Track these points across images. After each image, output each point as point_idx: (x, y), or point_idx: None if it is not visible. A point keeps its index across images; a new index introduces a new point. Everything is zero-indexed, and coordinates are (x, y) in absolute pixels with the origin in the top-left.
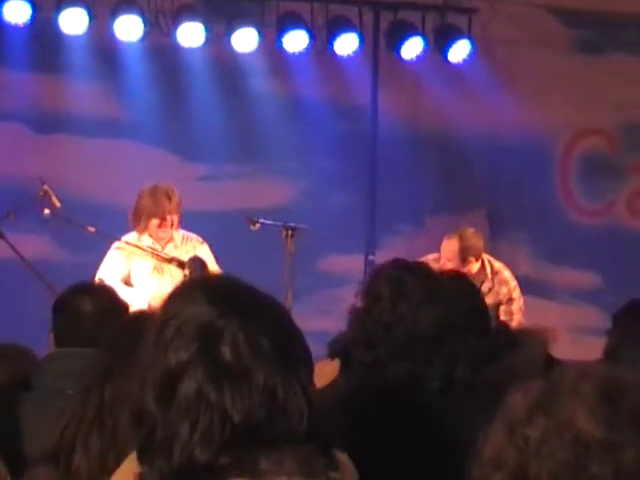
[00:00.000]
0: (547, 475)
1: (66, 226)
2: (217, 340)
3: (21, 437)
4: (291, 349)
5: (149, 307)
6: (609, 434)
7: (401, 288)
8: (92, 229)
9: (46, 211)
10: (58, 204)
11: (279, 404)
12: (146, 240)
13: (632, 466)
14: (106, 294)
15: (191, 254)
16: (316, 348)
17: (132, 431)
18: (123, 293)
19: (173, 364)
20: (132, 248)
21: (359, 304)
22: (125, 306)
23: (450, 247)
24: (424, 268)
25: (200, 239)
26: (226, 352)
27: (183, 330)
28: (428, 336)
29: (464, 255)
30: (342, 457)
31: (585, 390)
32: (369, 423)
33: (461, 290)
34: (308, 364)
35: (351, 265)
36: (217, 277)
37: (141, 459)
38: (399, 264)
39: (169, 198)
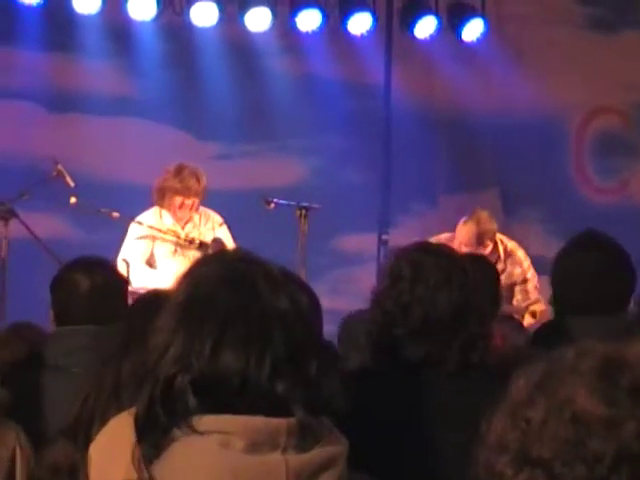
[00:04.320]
0: (549, 455)
1: (79, 205)
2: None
3: (42, 414)
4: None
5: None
6: (609, 411)
7: (420, 270)
8: (116, 214)
9: (72, 200)
10: (72, 184)
11: (249, 374)
12: (167, 219)
13: (633, 440)
14: (103, 269)
15: (210, 234)
16: (328, 327)
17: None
18: (146, 275)
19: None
20: (154, 231)
21: (381, 285)
22: (124, 281)
23: (466, 231)
24: (446, 250)
25: (220, 220)
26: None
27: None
28: (445, 319)
29: (481, 239)
30: (332, 427)
31: (584, 368)
32: (382, 402)
33: (482, 273)
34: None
35: (364, 244)
36: (233, 252)
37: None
38: (421, 246)
39: (197, 179)
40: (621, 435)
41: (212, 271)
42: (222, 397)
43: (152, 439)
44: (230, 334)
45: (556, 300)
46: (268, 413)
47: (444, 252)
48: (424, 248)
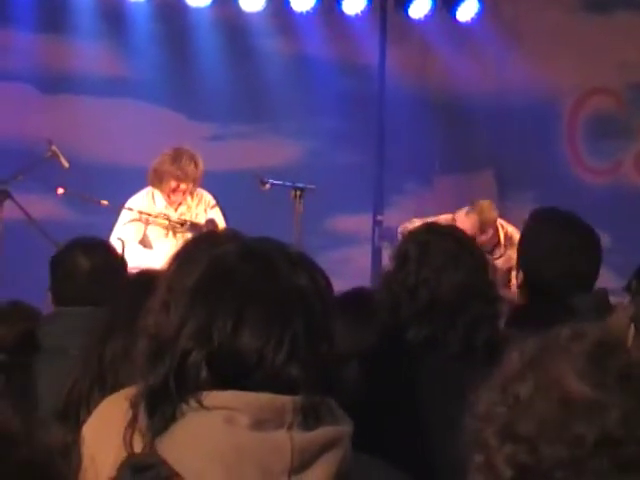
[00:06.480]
0: (534, 433)
1: (74, 186)
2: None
3: (35, 397)
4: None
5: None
6: (595, 395)
7: (427, 251)
8: (105, 202)
9: (60, 191)
10: (66, 164)
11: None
12: (159, 201)
13: (616, 427)
14: (102, 250)
15: (203, 215)
16: None
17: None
18: (141, 254)
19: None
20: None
21: (389, 267)
22: (123, 261)
23: (470, 223)
24: (454, 232)
25: (212, 201)
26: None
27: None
28: (450, 301)
29: (483, 228)
30: (337, 407)
31: (576, 349)
32: (387, 383)
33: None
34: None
35: (359, 225)
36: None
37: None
38: (429, 227)
39: (195, 165)
40: (604, 420)
41: (229, 248)
42: (234, 374)
43: (162, 413)
44: (251, 312)
45: (527, 282)
46: (275, 391)
47: (452, 234)
48: (432, 230)
